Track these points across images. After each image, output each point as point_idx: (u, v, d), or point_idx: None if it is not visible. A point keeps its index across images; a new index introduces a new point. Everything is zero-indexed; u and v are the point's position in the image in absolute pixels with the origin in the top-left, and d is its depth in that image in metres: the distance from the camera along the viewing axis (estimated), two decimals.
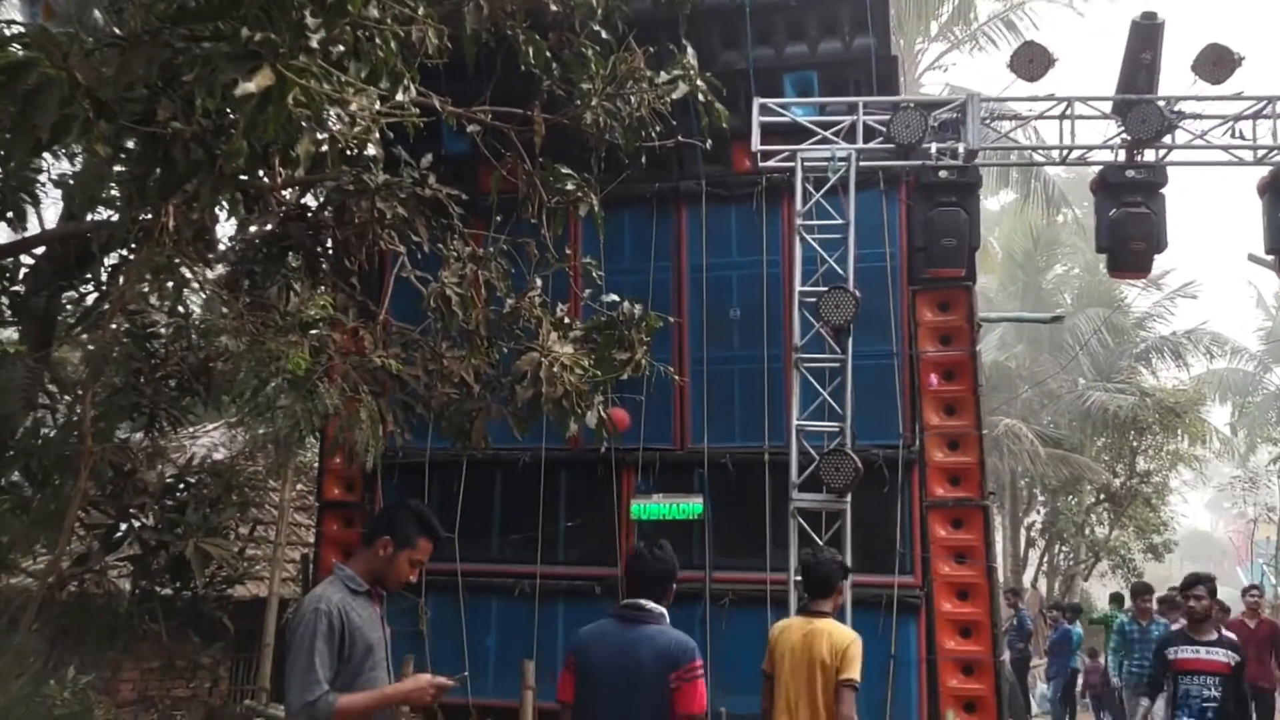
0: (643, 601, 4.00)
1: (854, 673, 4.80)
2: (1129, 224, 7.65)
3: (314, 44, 3.64)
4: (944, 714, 7.63)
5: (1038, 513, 24.99)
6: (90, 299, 7.46)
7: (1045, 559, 24.90)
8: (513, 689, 7.83)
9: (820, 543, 7.38)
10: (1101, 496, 22.62)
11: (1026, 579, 24.27)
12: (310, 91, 3.65)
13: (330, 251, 6.56)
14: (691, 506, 8.34)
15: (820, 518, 7.54)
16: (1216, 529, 59.05)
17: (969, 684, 7.73)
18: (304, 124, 3.95)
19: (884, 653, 7.65)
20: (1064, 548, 24.08)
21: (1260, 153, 7.74)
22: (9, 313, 7.29)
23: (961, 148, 7.77)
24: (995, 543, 8.71)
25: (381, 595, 3.65)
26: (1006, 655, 11.65)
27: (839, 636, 4.90)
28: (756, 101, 8.02)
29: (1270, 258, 7.96)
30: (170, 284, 6.41)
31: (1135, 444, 21.98)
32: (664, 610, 4.02)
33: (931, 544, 7.87)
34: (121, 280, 6.60)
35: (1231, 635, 6.98)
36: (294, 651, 3.37)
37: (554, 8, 6.38)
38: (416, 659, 7.87)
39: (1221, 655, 6.44)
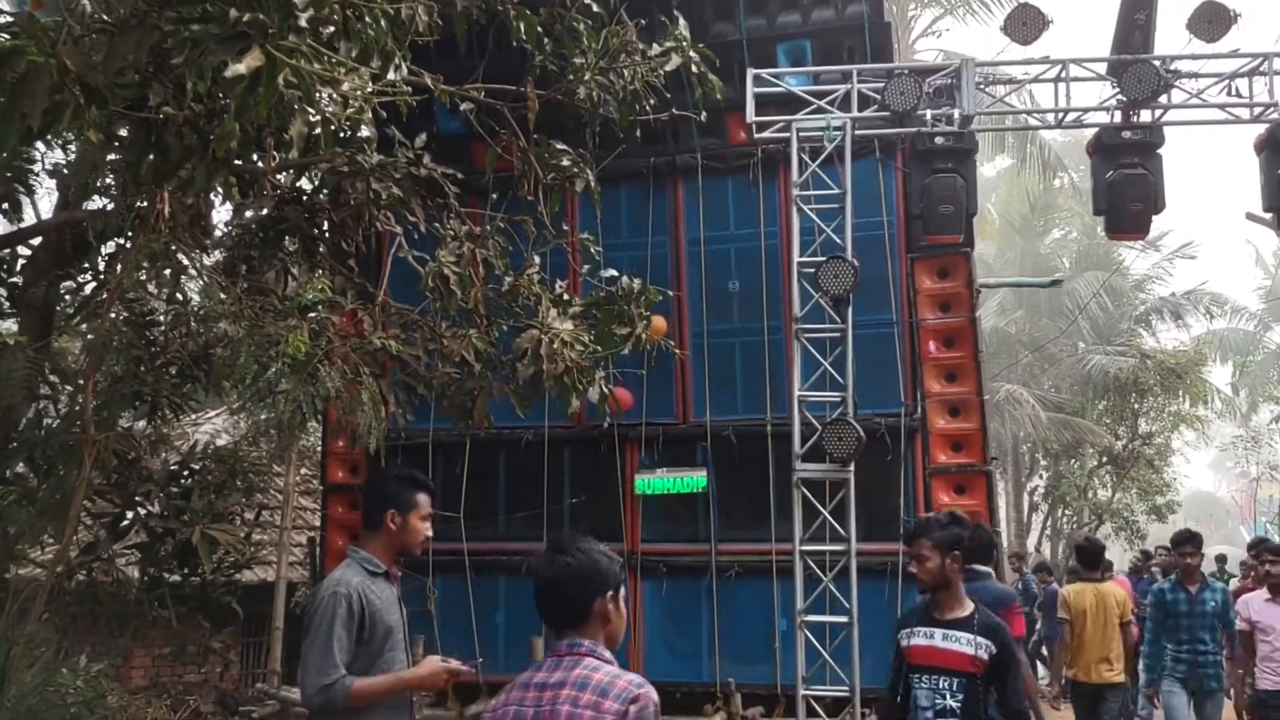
0: (975, 566, 5.55)
1: (1129, 614, 7.58)
2: (1126, 185, 7.61)
3: (303, 23, 3.60)
4: None
5: (1040, 477, 25.04)
6: (88, 288, 7.47)
7: (1048, 523, 24.97)
8: (522, 665, 7.87)
9: (825, 513, 7.43)
10: (1104, 459, 22.64)
11: (1030, 543, 24.36)
12: (301, 72, 3.62)
13: (327, 234, 6.53)
14: (695, 480, 8.37)
15: (824, 487, 7.56)
16: (1219, 489, 59.25)
17: None
18: (296, 105, 3.93)
19: (889, 619, 7.67)
20: (1067, 511, 24.12)
21: (1257, 110, 7.69)
22: (8, 304, 7.29)
23: (957, 113, 7.72)
24: (999, 508, 8.73)
25: (398, 576, 3.69)
26: None
27: (1120, 594, 7.67)
28: (750, 72, 7.97)
29: (1268, 215, 7.90)
30: (168, 270, 6.43)
31: (1136, 406, 21.96)
32: (989, 570, 5.89)
33: (935, 510, 7.89)
34: (119, 268, 6.59)
35: (991, 615, 4.29)
36: (312, 634, 3.38)
37: None
38: (426, 638, 7.92)
39: (964, 645, 4.09)
